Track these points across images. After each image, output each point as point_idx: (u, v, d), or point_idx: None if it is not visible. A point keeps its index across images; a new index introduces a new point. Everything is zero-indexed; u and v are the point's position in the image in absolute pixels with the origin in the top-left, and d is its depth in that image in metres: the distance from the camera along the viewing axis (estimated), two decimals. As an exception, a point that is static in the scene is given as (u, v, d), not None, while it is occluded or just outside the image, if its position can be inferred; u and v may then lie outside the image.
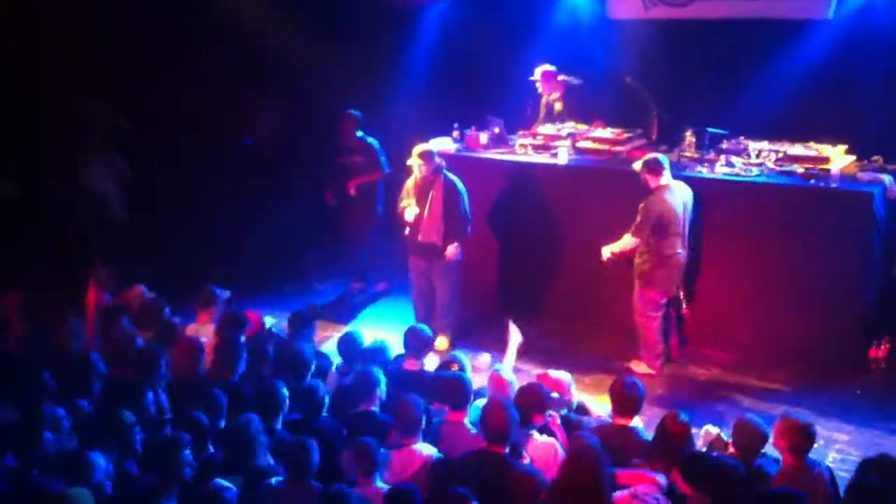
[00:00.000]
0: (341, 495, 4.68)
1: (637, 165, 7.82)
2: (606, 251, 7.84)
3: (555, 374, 6.19)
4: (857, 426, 6.99)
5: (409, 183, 8.46)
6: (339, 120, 9.71)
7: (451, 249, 8.34)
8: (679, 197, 7.74)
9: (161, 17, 9.54)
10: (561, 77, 9.73)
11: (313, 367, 6.38)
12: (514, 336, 6.85)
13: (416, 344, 6.64)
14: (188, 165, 9.72)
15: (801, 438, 5.13)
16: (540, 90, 9.83)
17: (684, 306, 8.16)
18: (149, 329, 6.92)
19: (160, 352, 6.28)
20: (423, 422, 5.51)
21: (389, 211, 9.29)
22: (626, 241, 7.77)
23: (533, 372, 6.98)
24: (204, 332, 6.97)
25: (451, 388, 5.76)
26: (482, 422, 5.32)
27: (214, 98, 9.96)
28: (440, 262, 8.41)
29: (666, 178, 7.70)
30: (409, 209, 8.35)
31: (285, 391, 5.73)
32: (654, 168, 7.70)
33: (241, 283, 8.50)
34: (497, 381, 6.08)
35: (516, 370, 6.78)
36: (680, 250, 7.77)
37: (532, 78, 9.77)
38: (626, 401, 5.64)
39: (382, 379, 5.98)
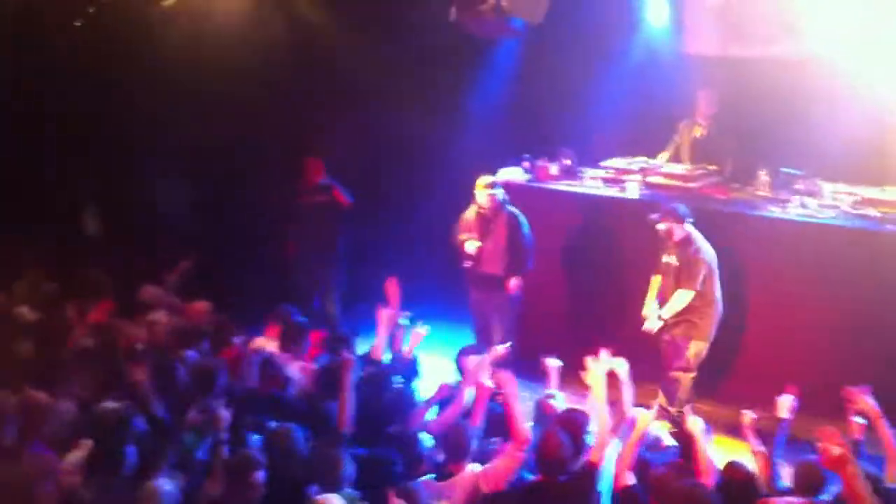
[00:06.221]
0: None
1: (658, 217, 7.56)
2: (662, 315, 7.59)
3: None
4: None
5: (469, 214, 8.45)
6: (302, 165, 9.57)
7: (514, 282, 8.31)
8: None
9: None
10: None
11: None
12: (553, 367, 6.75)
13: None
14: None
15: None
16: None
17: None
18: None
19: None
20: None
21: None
22: (684, 298, 7.53)
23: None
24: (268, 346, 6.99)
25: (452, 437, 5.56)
26: (537, 453, 5.30)
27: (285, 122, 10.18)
28: (499, 295, 8.37)
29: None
30: (470, 241, 8.34)
31: None
32: (681, 215, 7.53)
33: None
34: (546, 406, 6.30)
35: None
36: (720, 297, 7.61)
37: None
38: None
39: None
